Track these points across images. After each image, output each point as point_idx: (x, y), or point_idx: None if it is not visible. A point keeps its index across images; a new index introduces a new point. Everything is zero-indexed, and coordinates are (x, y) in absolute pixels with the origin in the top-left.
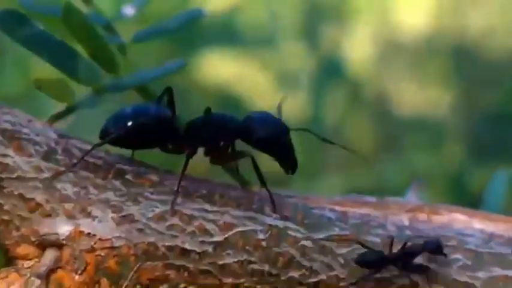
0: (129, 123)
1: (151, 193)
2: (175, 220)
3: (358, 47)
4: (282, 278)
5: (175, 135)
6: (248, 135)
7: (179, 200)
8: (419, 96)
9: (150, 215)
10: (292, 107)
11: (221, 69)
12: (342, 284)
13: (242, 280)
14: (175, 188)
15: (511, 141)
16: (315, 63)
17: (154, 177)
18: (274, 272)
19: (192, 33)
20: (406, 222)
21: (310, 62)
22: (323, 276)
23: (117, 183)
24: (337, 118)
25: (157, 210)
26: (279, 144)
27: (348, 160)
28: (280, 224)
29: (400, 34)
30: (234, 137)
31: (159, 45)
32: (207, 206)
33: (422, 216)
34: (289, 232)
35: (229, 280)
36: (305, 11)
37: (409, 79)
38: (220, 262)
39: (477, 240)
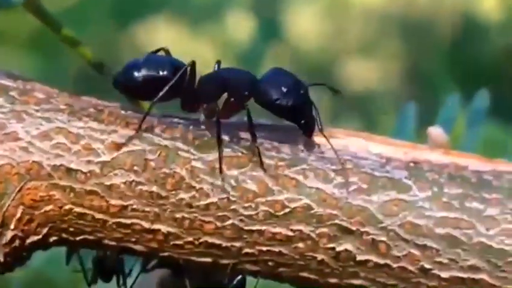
0: (143, 73)
1: (37, 111)
2: (60, 138)
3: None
4: (172, 200)
5: (188, 90)
6: (262, 99)
7: (65, 117)
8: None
9: (35, 133)
10: None
11: (164, 36)
12: (233, 206)
13: (130, 202)
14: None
15: None
16: (260, 34)
17: (40, 95)
18: (163, 193)
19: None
20: (301, 146)
21: (255, 33)
22: (214, 199)
23: (1, 100)
24: None
25: (42, 128)
26: (294, 110)
27: None
28: (170, 144)
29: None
30: (248, 97)
31: (104, 15)
32: (94, 125)
33: (318, 139)
34: (180, 153)
35: (117, 202)
36: None
37: (358, 53)
38: (108, 183)
39: (373, 163)
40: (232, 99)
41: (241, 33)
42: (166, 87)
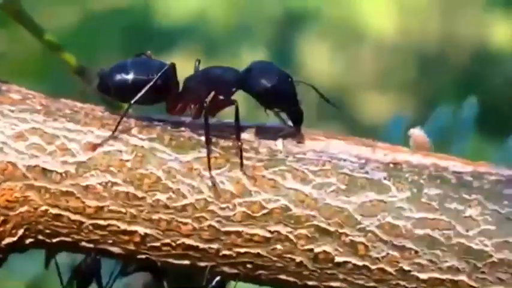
0: (130, 76)
1: (12, 111)
2: (35, 139)
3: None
4: (148, 201)
5: (176, 92)
6: (251, 87)
7: (40, 118)
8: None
9: (10, 133)
10: None
11: (182, 71)
12: (210, 207)
13: (107, 203)
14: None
15: None
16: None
17: (15, 96)
18: (139, 194)
19: (153, 35)
20: (280, 146)
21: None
22: (191, 200)
23: None
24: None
25: (17, 129)
26: (282, 94)
27: None
28: (147, 144)
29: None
30: (235, 91)
31: (116, 46)
32: (70, 125)
33: (298, 140)
34: (156, 153)
35: (93, 203)
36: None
37: (373, 85)
38: (83, 183)
39: (352, 164)
40: (220, 96)
41: None
42: (146, 88)
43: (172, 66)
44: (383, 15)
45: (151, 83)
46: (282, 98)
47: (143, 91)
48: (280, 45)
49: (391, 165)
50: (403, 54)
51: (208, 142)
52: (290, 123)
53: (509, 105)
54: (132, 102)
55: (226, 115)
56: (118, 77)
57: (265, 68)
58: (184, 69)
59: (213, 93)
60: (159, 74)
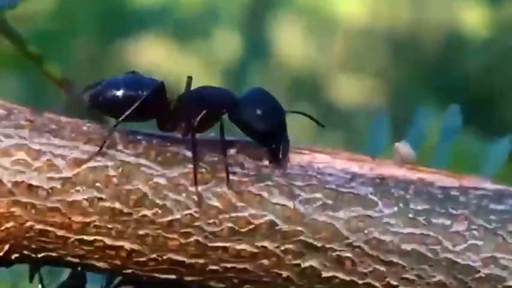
0: (121, 92)
1: None
2: (21, 155)
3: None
4: (134, 216)
5: (166, 109)
6: (238, 119)
7: (26, 133)
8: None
9: None
10: None
11: (154, 54)
12: (196, 223)
13: (93, 218)
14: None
15: None
16: (247, 52)
17: (0, 111)
18: (125, 210)
19: (126, 18)
20: (266, 162)
21: (242, 51)
22: (177, 215)
23: None
24: None
25: (2, 145)
26: (269, 136)
27: None
28: (133, 160)
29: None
30: (226, 112)
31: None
32: (56, 141)
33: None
34: (142, 169)
35: (79, 219)
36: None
37: (344, 70)
38: (69, 199)
39: (338, 179)
40: (210, 115)
41: (228, 51)
42: (134, 106)
43: (162, 84)
44: None
45: (140, 100)
46: (269, 140)
47: (131, 109)
48: (252, 29)
49: (378, 180)
50: (374, 39)
51: (194, 158)
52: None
53: (481, 89)
54: (120, 119)
55: (212, 130)
56: (109, 93)
57: (259, 102)
58: (156, 52)
59: (203, 112)
60: (148, 91)
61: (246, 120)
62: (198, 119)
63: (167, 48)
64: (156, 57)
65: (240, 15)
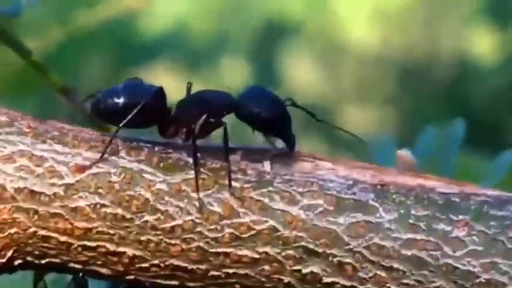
0: (121, 99)
1: None
2: (24, 161)
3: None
4: (137, 222)
5: (167, 115)
6: (246, 116)
7: (28, 140)
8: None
9: None
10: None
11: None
12: (198, 229)
13: (95, 224)
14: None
15: None
16: (256, 80)
17: (3, 118)
18: (128, 216)
19: (136, 48)
20: (268, 168)
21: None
22: (179, 221)
23: None
24: None
25: (5, 151)
26: (277, 121)
27: None
28: (135, 166)
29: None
30: (226, 114)
31: (102, 60)
32: (59, 147)
33: (286, 161)
34: (144, 175)
35: (82, 224)
36: (254, 29)
37: (354, 98)
38: (72, 205)
39: (339, 185)
40: (211, 120)
41: (237, 79)
42: (133, 112)
43: (162, 90)
44: (364, 27)
45: (139, 107)
46: (277, 126)
47: (131, 115)
48: (261, 57)
49: (379, 186)
50: (384, 66)
51: (196, 164)
52: (279, 145)
53: (491, 117)
54: (121, 125)
55: (214, 136)
56: (109, 101)
57: (259, 95)
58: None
59: (204, 116)
60: (147, 97)
61: (256, 112)
62: (199, 124)
63: (178, 76)
64: (167, 85)
65: (250, 42)
